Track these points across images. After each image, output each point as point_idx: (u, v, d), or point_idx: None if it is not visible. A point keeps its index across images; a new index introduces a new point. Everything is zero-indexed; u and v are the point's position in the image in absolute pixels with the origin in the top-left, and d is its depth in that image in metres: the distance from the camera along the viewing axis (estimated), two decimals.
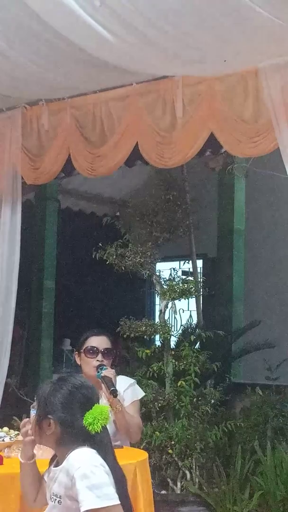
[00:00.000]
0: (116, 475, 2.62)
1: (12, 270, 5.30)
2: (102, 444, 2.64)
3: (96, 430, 2.62)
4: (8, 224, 5.37)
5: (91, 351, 4.05)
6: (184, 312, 6.66)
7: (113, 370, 3.99)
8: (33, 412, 3.34)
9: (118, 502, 2.53)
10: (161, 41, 3.76)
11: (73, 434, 2.63)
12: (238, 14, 3.38)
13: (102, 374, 3.89)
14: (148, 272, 6.01)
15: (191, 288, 5.87)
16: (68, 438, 2.64)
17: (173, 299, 5.90)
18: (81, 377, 2.90)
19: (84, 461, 2.56)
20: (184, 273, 7.17)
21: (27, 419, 2.96)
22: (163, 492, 5.59)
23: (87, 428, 2.62)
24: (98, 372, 3.93)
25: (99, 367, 3.96)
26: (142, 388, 4.42)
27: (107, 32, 3.69)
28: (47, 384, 2.76)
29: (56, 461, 2.74)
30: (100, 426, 2.62)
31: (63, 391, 2.69)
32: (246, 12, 3.31)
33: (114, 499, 2.52)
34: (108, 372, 3.92)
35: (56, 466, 2.71)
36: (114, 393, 3.79)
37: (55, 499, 2.65)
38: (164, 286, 5.95)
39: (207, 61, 4.10)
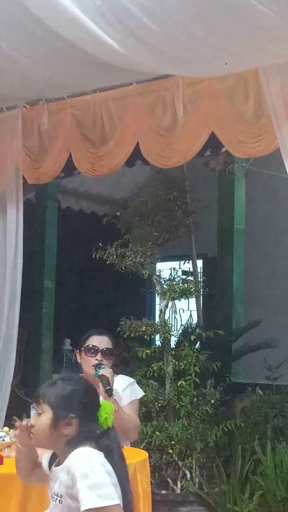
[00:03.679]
0: (121, 476, 2.62)
1: (16, 271, 5.30)
2: (110, 443, 2.65)
3: (109, 425, 2.66)
4: (12, 223, 5.37)
5: (91, 350, 4.06)
6: (184, 312, 6.67)
7: (111, 370, 3.99)
8: (33, 412, 3.32)
9: (119, 502, 2.52)
10: (160, 43, 3.75)
11: (87, 432, 2.63)
12: (239, 13, 3.37)
13: (100, 373, 3.90)
14: (148, 272, 6.00)
15: (191, 288, 5.86)
16: (81, 437, 2.62)
17: (173, 299, 5.89)
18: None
19: (84, 460, 2.56)
20: (184, 273, 7.16)
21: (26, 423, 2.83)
22: (163, 492, 5.59)
23: (101, 424, 2.64)
24: (96, 371, 3.93)
25: (97, 366, 3.97)
26: (142, 388, 4.42)
27: (106, 34, 3.69)
28: (55, 384, 2.72)
29: (57, 461, 2.74)
30: (111, 421, 2.67)
31: (80, 390, 2.70)
32: (248, 11, 3.31)
33: (114, 499, 2.51)
34: (106, 371, 3.93)
35: (57, 465, 2.71)
36: (109, 392, 3.78)
37: (56, 499, 2.64)
38: (164, 286, 5.95)
39: (207, 62, 4.09)
